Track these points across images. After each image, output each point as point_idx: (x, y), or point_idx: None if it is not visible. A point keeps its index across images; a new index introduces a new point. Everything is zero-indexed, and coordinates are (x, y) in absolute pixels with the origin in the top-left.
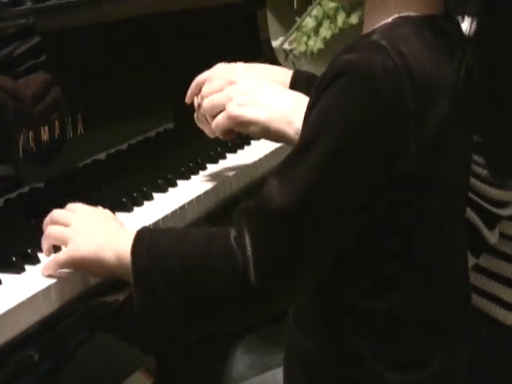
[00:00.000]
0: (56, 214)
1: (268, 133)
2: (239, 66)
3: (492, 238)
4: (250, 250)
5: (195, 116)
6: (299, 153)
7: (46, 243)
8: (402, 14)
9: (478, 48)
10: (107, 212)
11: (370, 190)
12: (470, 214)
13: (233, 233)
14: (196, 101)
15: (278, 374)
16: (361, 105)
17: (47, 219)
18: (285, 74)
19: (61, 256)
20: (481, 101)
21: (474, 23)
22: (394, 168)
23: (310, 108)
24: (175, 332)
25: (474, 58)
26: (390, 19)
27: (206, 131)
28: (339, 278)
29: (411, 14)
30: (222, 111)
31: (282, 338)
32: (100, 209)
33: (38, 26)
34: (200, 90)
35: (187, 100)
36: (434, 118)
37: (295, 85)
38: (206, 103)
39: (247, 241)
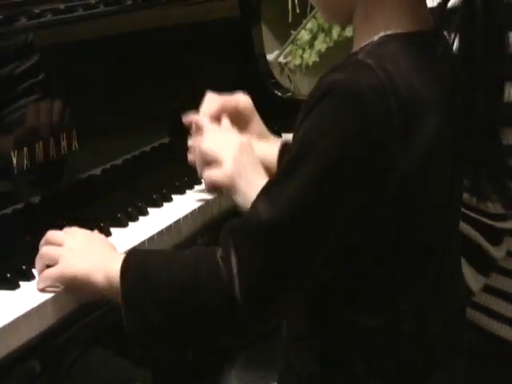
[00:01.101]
0: (51, 234)
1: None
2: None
3: (496, 253)
4: (235, 268)
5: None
6: (287, 171)
7: (39, 263)
8: (388, 32)
9: (461, 64)
10: (102, 237)
11: (356, 208)
12: (472, 232)
13: (219, 252)
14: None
15: None
16: (347, 123)
17: (42, 241)
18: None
19: (52, 271)
20: (467, 118)
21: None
22: (381, 185)
23: (298, 128)
24: (164, 349)
25: (459, 73)
26: (376, 37)
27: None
28: (335, 295)
29: (398, 31)
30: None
31: (277, 352)
32: (95, 233)
33: (34, 42)
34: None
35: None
36: (421, 135)
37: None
38: (204, 148)
39: (233, 259)
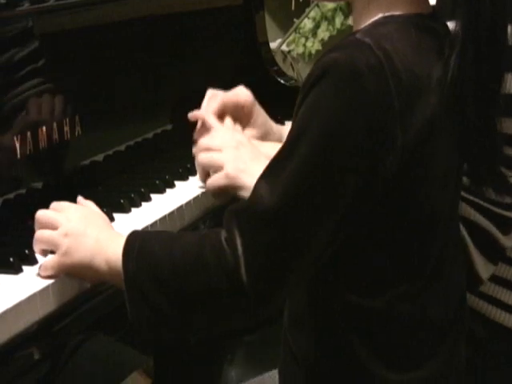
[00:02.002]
0: (42, 216)
1: None
2: (242, 136)
3: (507, 241)
4: (240, 250)
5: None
6: (286, 151)
7: (36, 248)
8: (387, 14)
9: (462, 49)
10: (94, 212)
11: (357, 186)
12: (483, 221)
13: (223, 233)
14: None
15: (276, 374)
16: (346, 102)
17: (35, 221)
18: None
19: (50, 263)
20: (468, 100)
21: (458, 26)
22: (380, 163)
23: (297, 109)
24: (169, 334)
25: (460, 58)
26: (375, 19)
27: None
28: (334, 277)
29: (396, 13)
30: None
31: (279, 339)
32: (87, 208)
33: (35, 28)
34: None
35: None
36: (420, 115)
37: None
38: (203, 158)
39: (238, 241)
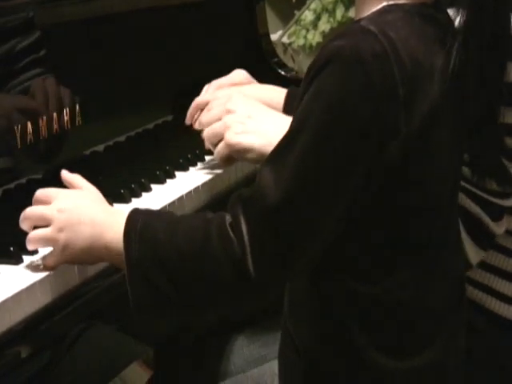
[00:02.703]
0: (31, 213)
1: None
2: (236, 94)
3: (497, 229)
4: (246, 238)
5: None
6: (291, 139)
7: (26, 224)
8: (391, 2)
9: (465, 39)
10: (83, 193)
11: (361, 173)
12: (475, 208)
13: (228, 219)
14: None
15: (276, 365)
16: (351, 89)
17: (23, 221)
18: (279, 93)
19: (51, 260)
20: (469, 90)
21: (461, 15)
22: (384, 150)
23: (301, 96)
24: (172, 319)
25: (463, 48)
26: (378, 7)
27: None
28: (335, 264)
29: (400, 2)
30: (221, 140)
31: (279, 330)
32: (75, 192)
33: (36, 18)
34: (198, 110)
35: (187, 121)
36: (423, 102)
37: (290, 103)
38: (206, 133)
39: (243, 228)
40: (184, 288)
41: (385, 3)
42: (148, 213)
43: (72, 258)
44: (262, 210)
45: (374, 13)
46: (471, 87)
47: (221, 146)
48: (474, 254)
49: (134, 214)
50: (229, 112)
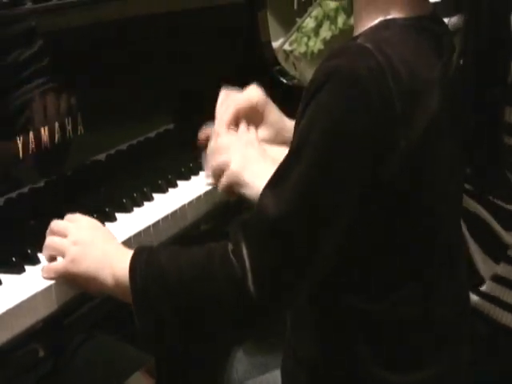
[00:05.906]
0: (55, 223)
1: None
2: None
3: (509, 238)
4: (247, 261)
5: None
6: (290, 160)
7: (45, 253)
8: (388, 17)
9: (464, 44)
10: (105, 229)
11: (361, 189)
12: (486, 215)
13: (230, 246)
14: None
15: (278, 374)
16: (348, 106)
17: (48, 230)
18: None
19: (55, 267)
20: (468, 102)
21: (462, 20)
22: (383, 163)
23: (300, 116)
24: (176, 344)
25: (462, 57)
26: (375, 22)
27: None
28: (337, 280)
29: (396, 16)
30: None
31: (282, 339)
32: (96, 222)
33: (38, 27)
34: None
35: (198, 144)
36: (423, 115)
37: None
38: (212, 161)
39: (244, 252)
40: (186, 314)
41: (381, 18)
42: (153, 247)
43: (76, 275)
44: (262, 231)
45: (371, 28)
46: (470, 97)
47: (225, 174)
48: (484, 266)
49: (141, 248)
50: (241, 146)
